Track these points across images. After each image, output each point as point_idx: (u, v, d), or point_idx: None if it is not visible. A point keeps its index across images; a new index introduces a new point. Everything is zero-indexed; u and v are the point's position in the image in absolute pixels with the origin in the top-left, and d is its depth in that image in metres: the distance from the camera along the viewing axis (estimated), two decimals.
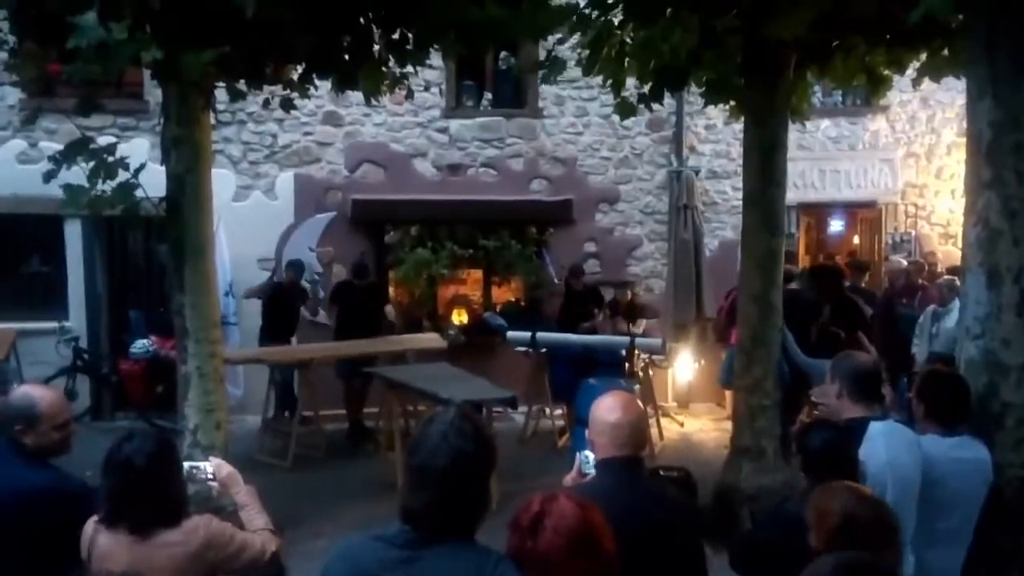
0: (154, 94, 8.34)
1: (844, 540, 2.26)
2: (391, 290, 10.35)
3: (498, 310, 10.44)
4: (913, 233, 10.85)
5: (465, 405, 2.20)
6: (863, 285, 9.29)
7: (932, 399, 3.43)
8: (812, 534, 2.37)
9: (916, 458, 3.20)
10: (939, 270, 9.67)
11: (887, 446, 3.14)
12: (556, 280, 9.79)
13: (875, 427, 3.22)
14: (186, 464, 2.91)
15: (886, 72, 6.44)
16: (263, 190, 9.79)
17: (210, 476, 2.97)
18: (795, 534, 2.44)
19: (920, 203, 10.93)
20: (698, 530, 2.74)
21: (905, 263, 9.56)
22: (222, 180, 8.93)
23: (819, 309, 7.16)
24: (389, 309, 9.25)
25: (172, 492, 2.72)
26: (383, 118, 9.93)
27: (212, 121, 5.95)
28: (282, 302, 8.75)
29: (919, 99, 10.75)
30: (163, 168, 5.79)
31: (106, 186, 5.22)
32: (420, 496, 2.04)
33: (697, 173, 10.23)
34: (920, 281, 9.03)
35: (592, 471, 2.68)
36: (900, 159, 10.85)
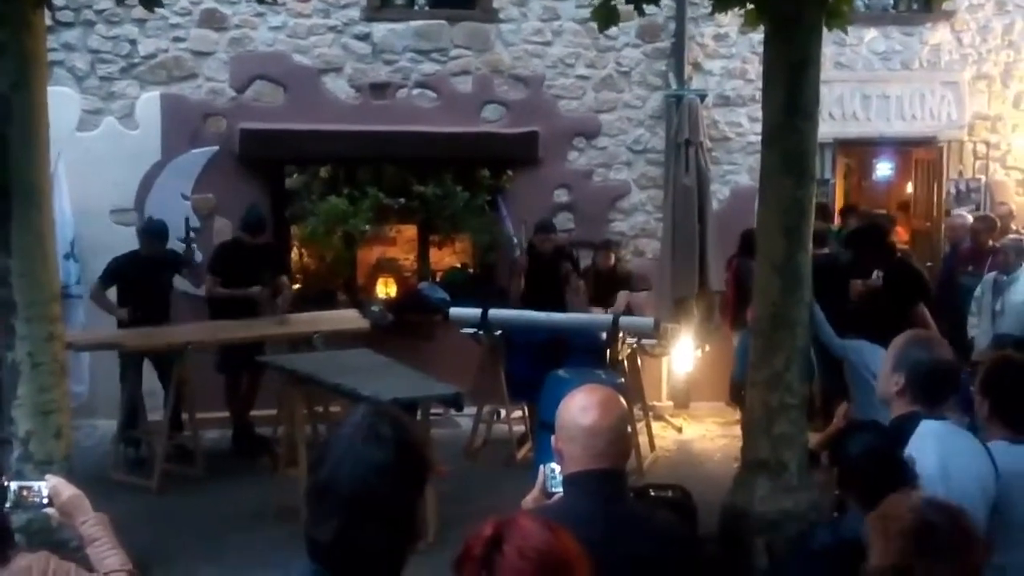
0: None
1: (918, 549, 2.37)
2: (295, 252, 10.29)
3: (438, 279, 10.44)
4: (983, 179, 11.05)
5: (384, 403, 2.20)
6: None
7: (1000, 395, 3.51)
8: (873, 550, 2.46)
9: (981, 470, 3.27)
10: (1015, 228, 9.87)
11: (940, 451, 3.21)
12: (515, 243, 9.78)
13: (927, 426, 3.29)
14: (13, 484, 2.89)
15: None
16: (118, 116, 9.65)
17: (46, 500, 2.94)
18: (826, 573, 2.50)
19: (993, 140, 11.13)
20: (697, 567, 2.78)
21: (971, 218, 9.74)
22: (62, 102, 8.77)
23: (860, 279, 7.30)
24: (283, 280, 9.13)
25: None
26: (282, 20, 9.81)
27: (48, 22, 5.85)
28: (143, 274, 8.53)
29: (994, 2, 10.90)
30: None
31: None
32: (326, 525, 2.05)
33: (703, 99, 10.28)
34: (991, 242, 9.21)
35: (560, 490, 2.71)
36: (968, 82, 11.02)
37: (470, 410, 8.72)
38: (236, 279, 8.67)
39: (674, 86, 10.29)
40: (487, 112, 10.24)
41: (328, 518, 2.05)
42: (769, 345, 6.24)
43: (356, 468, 2.04)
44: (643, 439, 8.68)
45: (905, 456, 3.05)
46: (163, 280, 8.65)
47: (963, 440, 3.38)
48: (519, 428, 8.95)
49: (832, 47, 9.85)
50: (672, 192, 9.97)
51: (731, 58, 10.58)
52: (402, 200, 9.97)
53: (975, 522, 3.22)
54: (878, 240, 7.46)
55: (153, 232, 8.57)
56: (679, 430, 9.84)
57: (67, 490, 2.98)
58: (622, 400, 2.83)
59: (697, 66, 10.49)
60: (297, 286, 10.20)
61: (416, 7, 10.32)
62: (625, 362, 8.60)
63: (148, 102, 9.68)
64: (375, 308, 9.84)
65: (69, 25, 9.37)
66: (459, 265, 10.75)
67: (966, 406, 4.03)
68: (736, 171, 10.62)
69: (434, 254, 10.64)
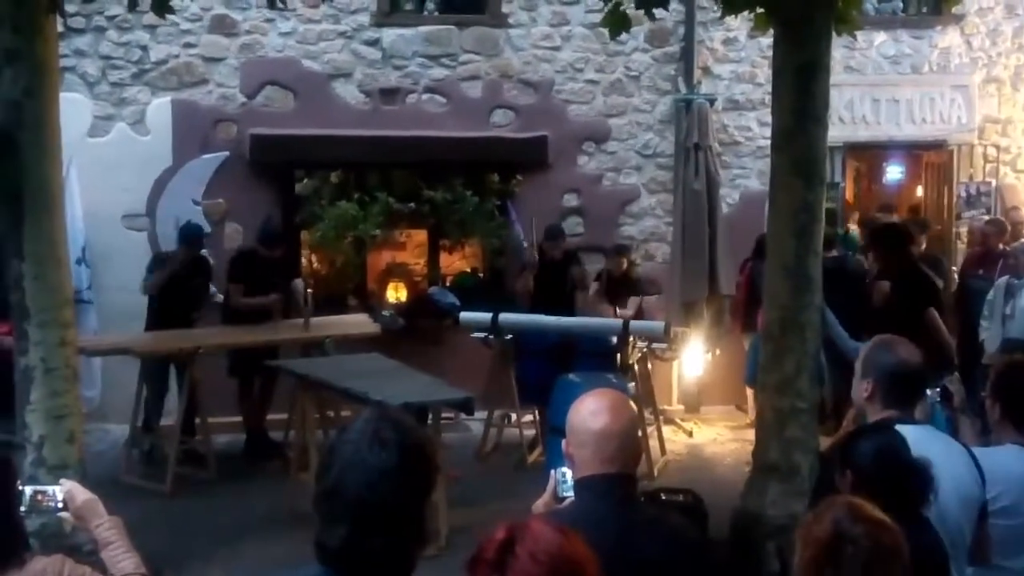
0: None
1: (828, 561, 2.37)
2: (304, 258, 10.30)
3: (448, 284, 10.44)
4: (993, 183, 11.01)
5: (388, 407, 2.20)
6: (922, 248, 9.46)
7: (1010, 398, 3.51)
8: (795, 555, 2.47)
9: (959, 474, 3.24)
10: None
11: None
12: (525, 245, 9.79)
13: (902, 431, 3.28)
14: (27, 489, 2.89)
15: None
16: (129, 122, 9.68)
17: (60, 504, 2.95)
18: None
19: (1003, 144, 11.09)
20: (708, 571, 2.79)
21: (986, 219, 9.71)
22: (74, 108, 8.82)
23: (870, 282, 7.28)
24: (298, 283, 9.14)
25: (8, 526, 2.71)
26: (292, 25, 9.83)
27: (60, 28, 5.87)
28: (176, 281, 8.58)
29: (1004, 6, 10.87)
30: None
31: None
32: (335, 530, 2.06)
33: (712, 103, 10.28)
34: (1001, 246, 9.19)
35: (570, 494, 2.71)
36: (978, 85, 10.99)
37: (481, 414, 8.70)
38: (250, 289, 8.69)
39: (683, 90, 10.29)
40: (496, 117, 10.24)
41: (336, 523, 2.06)
42: (779, 349, 6.23)
43: (362, 473, 2.06)
44: (654, 443, 8.67)
45: (920, 458, 3.04)
46: (193, 284, 8.67)
47: (938, 444, 3.34)
48: (530, 432, 8.95)
49: (842, 51, 9.83)
50: (682, 196, 9.97)
51: (740, 62, 10.57)
52: (412, 205, 9.97)
53: (956, 532, 3.21)
54: (895, 242, 7.44)
55: (184, 236, 8.63)
56: (690, 434, 9.82)
57: (82, 494, 2.99)
58: (632, 404, 2.83)
59: (706, 70, 10.49)
60: (308, 291, 10.19)
61: (425, 12, 10.33)
62: (635, 366, 8.58)
63: (159, 108, 9.71)
64: (385, 313, 9.85)
65: (80, 31, 9.40)
66: (469, 269, 10.75)
67: (978, 409, 4.02)
68: (746, 175, 10.61)
69: (444, 258, 10.64)
